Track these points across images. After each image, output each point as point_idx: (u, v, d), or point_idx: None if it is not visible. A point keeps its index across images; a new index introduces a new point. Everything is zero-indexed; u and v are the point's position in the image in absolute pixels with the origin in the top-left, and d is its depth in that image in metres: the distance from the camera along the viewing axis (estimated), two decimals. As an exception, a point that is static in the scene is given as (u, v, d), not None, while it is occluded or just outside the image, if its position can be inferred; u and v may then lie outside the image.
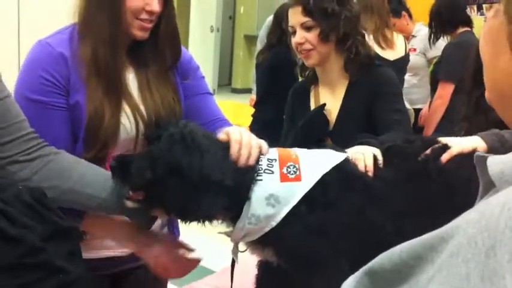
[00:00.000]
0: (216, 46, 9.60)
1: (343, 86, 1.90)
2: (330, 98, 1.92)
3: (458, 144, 1.28)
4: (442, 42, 3.79)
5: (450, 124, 3.12)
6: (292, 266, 1.25)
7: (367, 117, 1.83)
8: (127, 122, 1.42)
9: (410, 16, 4.23)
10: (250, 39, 9.98)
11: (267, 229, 1.22)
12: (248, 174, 1.22)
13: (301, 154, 1.29)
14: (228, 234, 1.28)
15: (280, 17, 3.66)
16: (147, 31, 1.42)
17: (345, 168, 1.25)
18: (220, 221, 1.28)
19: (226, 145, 1.24)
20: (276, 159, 1.25)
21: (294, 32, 1.84)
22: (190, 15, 9.67)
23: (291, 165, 1.24)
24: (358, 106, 1.84)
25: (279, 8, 3.74)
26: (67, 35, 1.41)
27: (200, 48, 9.37)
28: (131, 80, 1.46)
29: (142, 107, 1.45)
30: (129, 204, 1.24)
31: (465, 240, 0.46)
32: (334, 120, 1.91)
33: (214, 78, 9.47)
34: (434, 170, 1.25)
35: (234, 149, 1.23)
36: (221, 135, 1.28)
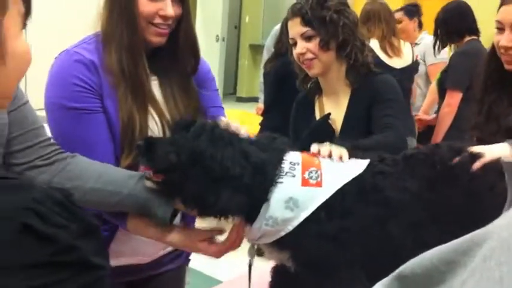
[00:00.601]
0: (222, 55, 9.64)
1: (346, 94, 1.90)
2: (334, 108, 1.93)
3: (490, 152, 1.27)
4: (443, 50, 3.81)
5: (459, 132, 3.11)
6: (308, 271, 1.24)
7: (371, 124, 1.83)
8: (154, 127, 1.43)
9: (420, 25, 4.26)
10: (256, 49, 10.01)
11: (283, 233, 1.21)
12: (269, 175, 1.21)
13: (325, 161, 1.28)
14: (245, 234, 1.28)
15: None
16: (163, 36, 1.42)
17: (366, 179, 1.24)
18: (234, 218, 1.27)
19: (253, 143, 1.25)
20: (298, 163, 1.25)
21: (295, 44, 1.86)
22: (196, 24, 9.71)
23: (313, 170, 1.24)
24: (361, 114, 1.85)
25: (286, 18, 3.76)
26: (93, 45, 1.42)
27: (205, 57, 9.27)
28: (155, 87, 1.47)
29: (167, 114, 1.46)
30: (148, 183, 1.25)
31: (498, 243, 0.46)
32: (339, 129, 1.91)
33: (220, 87, 9.49)
34: (463, 177, 1.23)
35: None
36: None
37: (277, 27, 5.01)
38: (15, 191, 0.66)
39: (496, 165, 1.23)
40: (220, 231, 1.37)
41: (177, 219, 1.43)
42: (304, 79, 1.99)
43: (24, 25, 0.75)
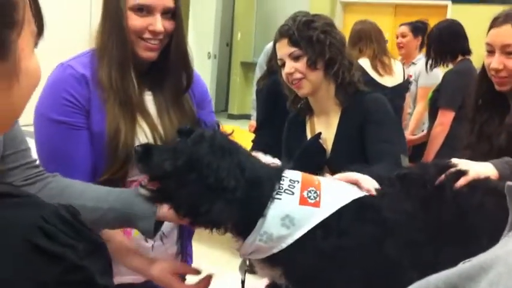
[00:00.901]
0: (213, 72, 9.68)
1: (336, 114, 1.91)
2: (325, 127, 1.94)
3: (473, 170, 1.27)
4: (436, 70, 3.84)
5: (451, 151, 3.11)
6: None
7: (362, 144, 1.84)
8: (145, 139, 1.44)
9: (422, 46, 4.28)
10: (247, 66, 10.06)
11: (275, 250, 1.20)
12: (265, 191, 1.21)
13: (324, 182, 1.28)
14: (237, 248, 1.27)
15: None
16: (154, 51, 1.43)
17: (365, 202, 1.24)
18: (226, 231, 1.26)
19: (253, 156, 1.26)
20: (298, 181, 1.25)
21: (283, 65, 1.87)
22: (188, 41, 9.76)
23: (312, 190, 1.23)
24: (352, 133, 1.85)
25: None
26: (88, 58, 1.44)
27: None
28: (149, 102, 1.49)
29: (160, 128, 1.47)
30: (142, 191, 1.24)
31: (506, 269, 0.46)
32: (330, 149, 1.91)
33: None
34: (450, 196, 1.24)
35: None
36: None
37: (270, 45, 5.03)
38: (24, 209, 0.66)
39: (482, 184, 1.25)
40: (196, 272, 1.41)
41: (163, 231, 1.45)
42: (293, 100, 2.01)
43: (36, 44, 0.75)
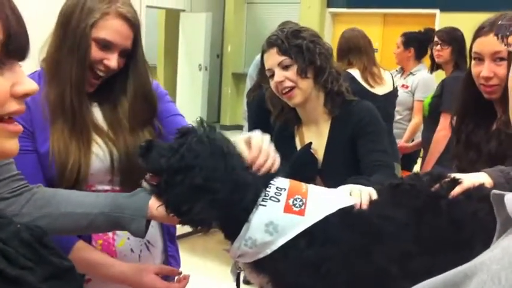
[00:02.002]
0: (205, 84, 9.68)
1: (326, 123, 1.91)
2: (315, 136, 1.93)
3: (468, 179, 1.28)
4: (432, 81, 3.88)
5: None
6: None
7: (354, 153, 1.84)
8: (99, 151, 1.45)
9: (418, 56, 4.27)
10: (238, 77, 10.08)
11: (261, 255, 1.22)
12: (249, 196, 1.23)
13: (312, 190, 1.29)
14: (227, 250, 1.29)
15: None
16: (93, 86, 1.47)
17: (351, 210, 1.24)
18: (208, 231, 1.29)
19: (244, 162, 1.27)
20: (285, 189, 1.26)
21: (272, 76, 1.87)
22: (178, 53, 9.78)
23: (298, 198, 1.24)
24: (343, 142, 1.85)
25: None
26: None
27: (189, 86, 9.45)
28: (98, 114, 1.50)
29: (112, 136, 1.49)
30: (144, 185, 1.28)
31: (489, 277, 0.46)
32: (321, 158, 1.91)
33: (203, 115, 9.51)
34: (444, 205, 1.24)
35: (252, 153, 1.27)
36: (244, 139, 1.31)
37: (258, 56, 5.05)
38: None
39: (476, 192, 1.25)
40: (174, 272, 1.45)
41: (151, 231, 1.46)
42: (278, 114, 2.00)
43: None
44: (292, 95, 1.85)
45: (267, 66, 1.89)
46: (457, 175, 1.30)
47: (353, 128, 1.84)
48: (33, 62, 1.48)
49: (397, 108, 3.95)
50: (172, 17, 10.02)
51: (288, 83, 1.83)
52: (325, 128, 1.91)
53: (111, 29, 1.42)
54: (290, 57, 1.82)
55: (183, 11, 9.66)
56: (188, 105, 8.89)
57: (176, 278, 1.49)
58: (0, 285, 0.60)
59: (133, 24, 1.45)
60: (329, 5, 9.18)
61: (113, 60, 1.43)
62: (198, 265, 3.71)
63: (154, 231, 1.56)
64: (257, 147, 1.29)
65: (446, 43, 3.67)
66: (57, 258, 0.67)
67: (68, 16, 1.42)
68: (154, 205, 1.26)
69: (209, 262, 3.83)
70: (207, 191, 1.17)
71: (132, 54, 1.49)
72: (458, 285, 0.49)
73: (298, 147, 1.97)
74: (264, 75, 1.97)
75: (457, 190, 1.25)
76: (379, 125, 1.88)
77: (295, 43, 1.83)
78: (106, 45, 1.42)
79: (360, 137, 1.82)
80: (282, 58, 1.83)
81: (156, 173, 1.24)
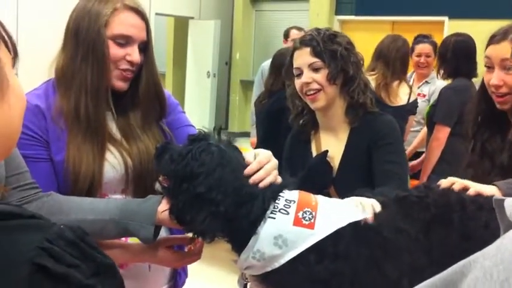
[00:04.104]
0: (213, 91, 9.70)
1: (345, 131, 1.89)
2: (332, 144, 1.90)
3: (475, 187, 1.27)
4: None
5: (448, 166, 3.13)
6: None
7: (370, 164, 1.82)
8: (114, 161, 1.46)
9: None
10: (246, 84, 10.08)
11: (269, 269, 1.20)
12: (256, 209, 1.21)
13: (322, 202, 1.27)
14: (235, 261, 1.28)
15: (279, 63, 3.73)
16: (126, 81, 1.46)
17: (361, 224, 1.23)
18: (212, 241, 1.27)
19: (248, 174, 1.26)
20: (294, 201, 1.24)
21: (299, 75, 1.83)
22: (187, 61, 9.81)
23: (308, 211, 1.22)
24: (360, 153, 1.83)
25: (278, 55, 3.81)
26: (41, 91, 1.46)
27: (197, 93, 9.47)
28: (112, 124, 1.51)
29: (126, 146, 1.49)
30: (157, 186, 1.30)
31: (481, 273, 0.48)
32: (336, 167, 1.88)
33: (211, 122, 9.53)
34: (456, 217, 1.22)
35: (252, 167, 1.25)
36: (249, 155, 1.31)
37: (265, 63, 5.05)
38: (28, 231, 0.66)
39: (487, 202, 1.23)
40: (187, 240, 1.44)
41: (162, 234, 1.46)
42: (297, 115, 1.98)
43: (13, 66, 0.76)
44: (316, 98, 1.82)
45: (295, 64, 1.86)
46: (467, 182, 1.29)
47: (371, 139, 1.82)
48: (43, 71, 1.50)
49: (416, 118, 3.93)
50: (181, 25, 10.06)
51: (315, 86, 1.81)
52: (343, 136, 1.89)
53: (124, 22, 1.43)
54: (323, 61, 1.80)
55: (192, 18, 9.70)
56: (196, 112, 8.91)
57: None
58: (48, 283, 0.63)
59: (144, 16, 1.47)
60: (337, 13, 9.18)
61: (134, 54, 1.44)
62: (206, 273, 3.70)
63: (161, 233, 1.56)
64: (258, 161, 1.27)
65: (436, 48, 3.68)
66: (100, 255, 0.69)
67: (77, 26, 1.43)
68: (161, 210, 1.27)
69: (217, 270, 3.82)
70: (210, 202, 1.16)
71: (144, 47, 1.49)
72: (456, 283, 0.50)
73: (314, 152, 1.95)
74: (289, 72, 1.94)
75: (471, 192, 1.24)
76: (397, 138, 1.86)
77: (330, 47, 1.80)
78: (124, 41, 1.43)
79: (377, 147, 1.80)
80: (314, 60, 1.80)
81: (167, 176, 1.25)
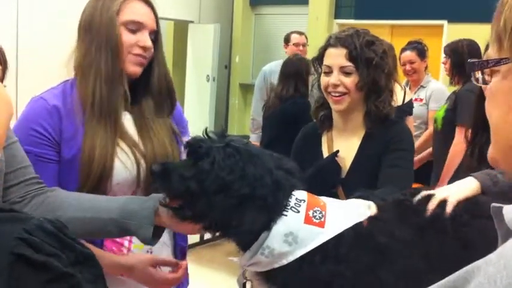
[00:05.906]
0: (212, 94, 9.71)
1: (359, 135, 1.86)
2: (343, 145, 1.88)
3: (455, 192, 1.27)
4: (445, 92, 3.85)
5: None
6: None
7: (379, 169, 1.81)
8: (126, 160, 1.45)
9: (426, 67, 4.28)
10: (246, 88, 10.09)
11: (276, 265, 1.21)
12: (279, 203, 1.22)
13: (329, 203, 1.29)
14: (238, 258, 1.29)
15: (290, 70, 3.77)
16: (141, 66, 1.49)
17: (362, 227, 1.24)
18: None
19: (275, 161, 1.26)
20: (304, 201, 1.25)
21: (328, 73, 1.79)
22: (187, 64, 9.82)
23: (318, 210, 1.24)
24: (372, 158, 1.81)
25: (288, 62, 3.87)
26: (59, 90, 1.49)
27: (196, 96, 9.48)
28: (128, 122, 1.52)
29: (141, 147, 1.50)
30: (162, 210, 1.26)
31: (485, 279, 0.48)
32: (346, 168, 1.86)
33: (210, 125, 9.53)
34: (449, 224, 1.23)
35: None
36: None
37: (266, 66, 5.07)
38: (8, 224, 0.67)
39: (482, 209, 1.24)
40: (172, 263, 1.47)
41: (165, 237, 1.47)
42: (318, 108, 1.93)
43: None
44: (340, 100, 1.78)
45: (327, 62, 1.80)
46: (442, 190, 1.29)
47: (383, 146, 1.80)
48: (62, 70, 1.52)
49: (415, 123, 3.93)
50: (181, 28, 10.08)
51: (342, 89, 1.77)
52: (356, 139, 1.86)
53: (135, 10, 1.48)
54: (356, 67, 1.75)
55: (192, 22, 9.72)
56: (196, 115, 8.91)
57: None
58: (28, 272, 0.64)
59: (153, 7, 1.52)
60: (337, 17, 9.19)
61: (146, 40, 1.48)
62: (205, 276, 3.70)
63: (164, 240, 1.56)
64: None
65: (447, 55, 3.67)
66: (79, 246, 0.70)
67: (91, 17, 1.47)
68: (162, 211, 1.27)
69: (215, 273, 3.82)
70: (256, 199, 1.16)
71: (154, 39, 1.52)
72: None
73: (324, 151, 1.92)
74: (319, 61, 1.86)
75: (449, 208, 1.24)
76: (409, 147, 1.83)
77: (366, 55, 1.75)
78: (135, 27, 1.47)
79: (387, 152, 1.78)
80: (347, 64, 1.76)
81: (181, 197, 1.22)
